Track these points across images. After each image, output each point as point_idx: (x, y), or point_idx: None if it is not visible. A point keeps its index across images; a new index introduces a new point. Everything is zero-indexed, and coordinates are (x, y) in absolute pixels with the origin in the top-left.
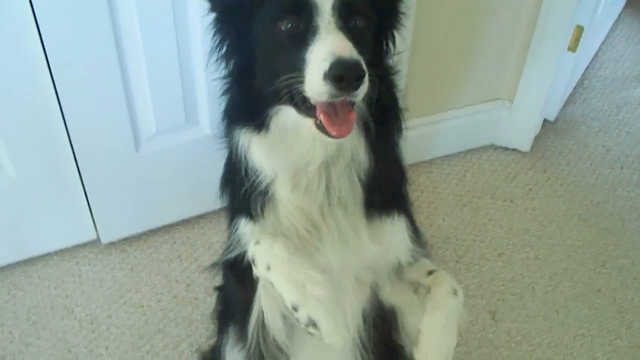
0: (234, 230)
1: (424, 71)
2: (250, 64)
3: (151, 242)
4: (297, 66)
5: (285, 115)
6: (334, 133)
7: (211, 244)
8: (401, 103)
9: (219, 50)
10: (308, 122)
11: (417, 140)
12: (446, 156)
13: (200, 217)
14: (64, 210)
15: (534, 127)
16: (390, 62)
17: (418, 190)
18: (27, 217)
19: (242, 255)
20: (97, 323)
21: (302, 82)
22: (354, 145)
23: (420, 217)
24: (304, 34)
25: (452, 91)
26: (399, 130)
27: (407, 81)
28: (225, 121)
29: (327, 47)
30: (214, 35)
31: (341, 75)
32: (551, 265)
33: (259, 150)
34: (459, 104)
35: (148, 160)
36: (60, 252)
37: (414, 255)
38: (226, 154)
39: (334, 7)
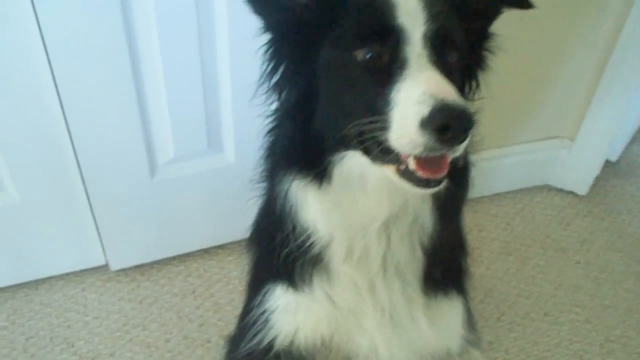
0: (263, 301)
1: (480, 105)
2: (309, 97)
3: (165, 272)
4: (378, 108)
5: (351, 162)
6: (428, 176)
7: (229, 279)
8: (471, 163)
9: (270, 79)
10: (381, 170)
11: None
12: (495, 195)
13: (220, 247)
14: (70, 232)
15: (595, 169)
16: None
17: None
18: (32, 238)
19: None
20: None
21: (385, 128)
22: (418, 204)
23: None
24: (388, 67)
25: (509, 127)
26: (466, 195)
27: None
28: (269, 165)
29: (423, 86)
30: (265, 60)
31: (447, 124)
32: (603, 331)
33: (316, 207)
34: (515, 141)
35: (164, 187)
36: (66, 276)
37: (465, 345)
38: (262, 203)
39: (425, 37)
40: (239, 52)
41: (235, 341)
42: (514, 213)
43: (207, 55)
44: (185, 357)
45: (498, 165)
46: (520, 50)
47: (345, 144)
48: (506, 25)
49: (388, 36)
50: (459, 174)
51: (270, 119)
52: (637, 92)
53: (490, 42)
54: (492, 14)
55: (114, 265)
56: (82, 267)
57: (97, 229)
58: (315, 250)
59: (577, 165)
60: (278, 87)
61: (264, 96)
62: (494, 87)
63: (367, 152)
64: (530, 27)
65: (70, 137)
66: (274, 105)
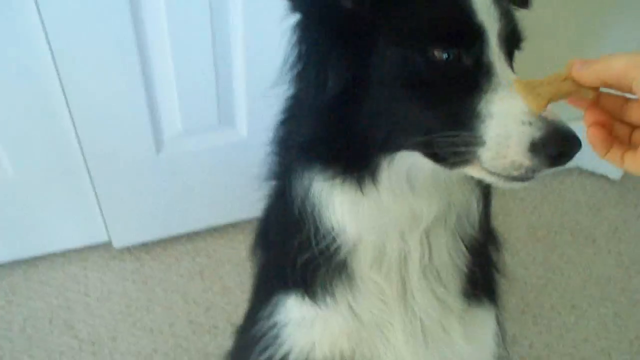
0: (273, 313)
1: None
2: (353, 92)
3: (171, 252)
4: (462, 119)
5: (400, 162)
6: None
7: (239, 261)
8: None
9: (296, 67)
10: (457, 171)
11: None
12: None
13: (231, 225)
14: (71, 207)
15: None
16: None
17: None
18: (29, 212)
19: None
20: (99, 345)
21: (475, 144)
22: (466, 197)
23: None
24: (472, 72)
25: None
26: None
27: None
28: (284, 160)
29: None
30: (293, 45)
31: (563, 152)
32: (634, 327)
33: (350, 210)
34: None
35: (171, 163)
36: (67, 254)
37: None
38: (269, 202)
39: (500, 37)
40: (255, 17)
41: (240, 354)
42: (542, 197)
43: (218, 19)
44: (191, 343)
45: None
46: (554, 30)
47: (401, 145)
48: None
49: (472, 35)
50: None
51: (285, 107)
52: None
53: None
54: None
55: (118, 243)
56: (84, 244)
57: (99, 204)
58: (341, 256)
59: None
60: (305, 74)
61: (284, 85)
62: (526, 61)
63: (438, 158)
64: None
65: (68, 107)
66: (289, 92)
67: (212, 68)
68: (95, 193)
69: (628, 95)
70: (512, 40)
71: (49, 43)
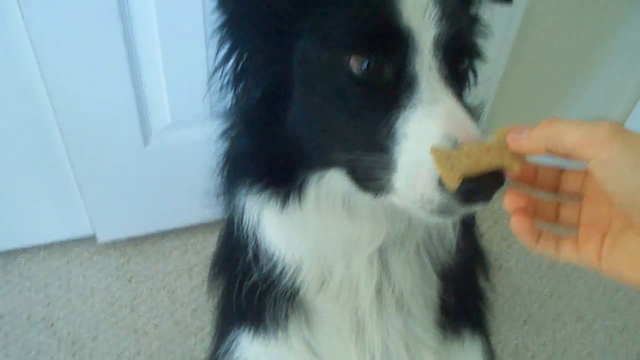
0: (229, 350)
1: (522, 78)
2: (279, 96)
3: (159, 247)
4: (378, 140)
5: (333, 182)
6: None
7: None
8: None
9: (226, 70)
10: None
11: None
12: None
13: (222, 221)
14: (52, 198)
15: None
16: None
17: (490, 219)
18: (9, 202)
19: None
20: (79, 345)
21: (387, 169)
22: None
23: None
24: (393, 84)
25: (550, 106)
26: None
27: (498, 89)
28: (225, 176)
29: (443, 125)
30: (221, 41)
31: (477, 189)
32: None
33: (277, 228)
34: None
35: (160, 156)
36: (49, 247)
37: None
38: (224, 225)
39: (437, 43)
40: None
41: None
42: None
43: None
44: (176, 345)
45: None
46: (569, 25)
47: (328, 164)
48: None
49: (394, 42)
50: None
51: (225, 118)
52: None
53: (480, 26)
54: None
55: (102, 237)
56: (67, 237)
57: (82, 196)
58: (287, 282)
59: None
60: (235, 79)
61: (220, 88)
62: (543, 60)
63: (358, 182)
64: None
65: (50, 97)
66: (230, 100)
67: (204, 57)
68: (79, 185)
69: (562, 166)
70: (455, 47)
71: (28, 33)
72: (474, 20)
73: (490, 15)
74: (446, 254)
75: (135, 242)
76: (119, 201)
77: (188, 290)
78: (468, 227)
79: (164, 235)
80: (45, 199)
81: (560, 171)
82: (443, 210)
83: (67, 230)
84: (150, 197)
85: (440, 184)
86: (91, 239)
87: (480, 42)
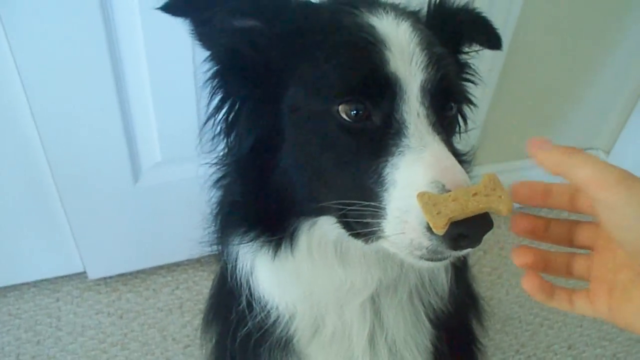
0: None
1: (509, 109)
2: (269, 145)
3: (149, 283)
4: (368, 186)
5: (324, 229)
6: None
7: None
8: None
9: (218, 119)
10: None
11: None
12: (520, 209)
13: (213, 256)
14: (43, 235)
15: None
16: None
17: (480, 249)
18: (1, 240)
19: None
20: None
21: (377, 216)
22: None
23: (478, 289)
24: (381, 131)
25: (538, 136)
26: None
27: (487, 123)
28: (219, 225)
29: (430, 171)
30: (213, 92)
31: (466, 233)
32: None
33: (269, 276)
34: None
35: (149, 193)
36: (39, 284)
37: None
38: (217, 273)
39: (424, 89)
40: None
41: None
42: None
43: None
44: None
45: (526, 177)
46: (556, 57)
47: (319, 211)
48: (544, 31)
49: (382, 90)
50: None
51: (218, 167)
52: None
53: (468, 72)
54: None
55: (93, 274)
56: (57, 274)
57: (73, 233)
58: (281, 331)
59: None
60: (228, 128)
61: (212, 138)
62: (528, 94)
63: (349, 229)
64: (570, 33)
65: (39, 131)
66: (222, 150)
67: (194, 97)
68: (69, 222)
69: (576, 217)
70: (442, 93)
71: (18, 71)
72: (462, 66)
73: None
74: (439, 300)
75: (126, 278)
76: (109, 238)
77: (179, 327)
78: (460, 271)
79: (154, 271)
80: (35, 236)
81: (572, 224)
82: (433, 256)
83: (57, 267)
84: (141, 234)
85: (429, 229)
86: (82, 276)
87: (468, 87)
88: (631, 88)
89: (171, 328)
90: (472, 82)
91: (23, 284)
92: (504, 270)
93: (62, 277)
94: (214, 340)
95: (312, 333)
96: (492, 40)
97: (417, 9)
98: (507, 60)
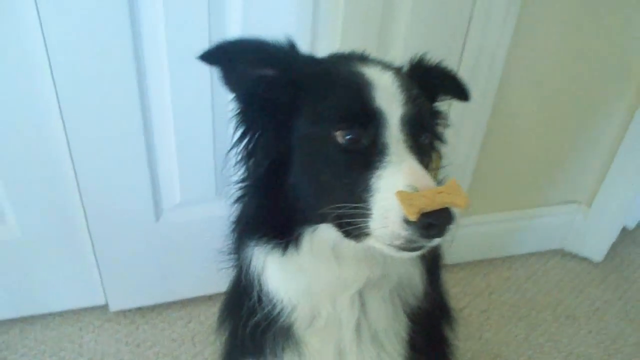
0: None
1: (492, 167)
2: (281, 168)
3: (165, 316)
4: (357, 193)
5: (324, 234)
6: None
7: None
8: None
9: (240, 147)
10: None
11: (478, 238)
12: (509, 257)
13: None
14: (71, 269)
15: (611, 236)
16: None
17: (472, 294)
18: (31, 273)
19: None
20: None
21: (366, 215)
22: (406, 267)
23: (468, 329)
24: (369, 151)
25: (523, 190)
26: (442, 260)
27: (474, 175)
28: (236, 234)
29: (406, 178)
30: (236, 126)
31: (433, 222)
32: None
33: (278, 273)
34: (530, 204)
35: (169, 231)
36: (64, 314)
37: None
38: (233, 276)
39: (403, 120)
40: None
41: None
42: (526, 277)
43: (218, 101)
44: None
45: (513, 228)
46: (533, 105)
47: (320, 219)
48: (526, 94)
49: (369, 120)
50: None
51: (238, 188)
52: None
53: (441, 119)
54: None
55: (114, 306)
56: (81, 306)
57: (99, 268)
58: (284, 320)
59: (592, 232)
60: (247, 156)
61: (235, 164)
62: (512, 151)
63: (343, 231)
64: (550, 96)
65: (75, 175)
66: (242, 173)
67: (211, 144)
68: (95, 256)
69: None
70: (416, 124)
71: (62, 118)
72: (437, 113)
73: (462, 114)
74: (414, 299)
75: (143, 311)
76: (131, 272)
77: (191, 356)
78: (433, 279)
79: (169, 305)
80: (63, 270)
81: None
82: (409, 245)
83: (82, 299)
84: (159, 270)
85: (406, 222)
86: (103, 308)
87: (441, 130)
88: (608, 146)
89: (183, 357)
90: (444, 125)
91: (49, 314)
92: (492, 313)
93: (85, 308)
94: (227, 332)
95: (310, 321)
96: (461, 93)
97: (400, 65)
98: (492, 120)
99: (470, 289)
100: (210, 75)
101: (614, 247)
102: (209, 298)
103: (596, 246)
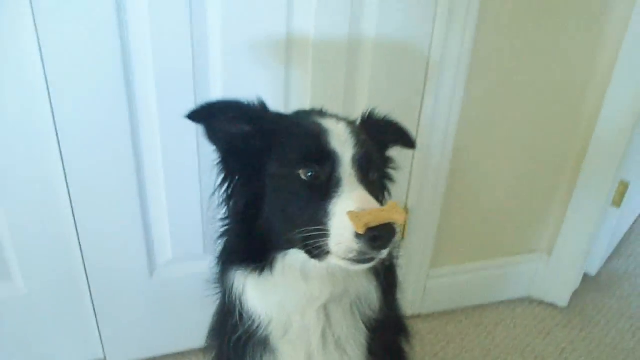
0: None
1: (456, 220)
2: (256, 204)
3: None
4: (318, 218)
5: (293, 257)
6: None
7: None
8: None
9: (222, 190)
10: (323, 262)
11: (449, 288)
12: (479, 306)
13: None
14: (71, 325)
15: (573, 282)
16: None
17: (444, 340)
18: (33, 328)
19: None
20: None
21: (325, 236)
22: (362, 285)
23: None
24: (326, 184)
25: (487, 241)
26: (397, 283)
27: (439, 228)
28: (220, 265)
29: (356, 202)
30: (218, 173)
31: (378, 236)
32: None
33: (255, 292)
34: (495, 254)
35: (162, 286)
36: None
37: None
38: (218, 301)
39: (354, 159)
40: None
41: None
42: (495, 323)
43: (205, 171)
44: None
45: (481, 277)
46: (489, 158)
47: (289, 244)
48: (482, 147)
49: (326, 159)
50: (391, 266)
51: (221, 225)
52: (610, 208)
53: (391, 164)
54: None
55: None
56: None
57: (97, 322)
58: (262, 332)
59: (555, 279)
60: (228, 198)
61: (218, 205)
62: (469, 199)
63: (308, 252)
64: (505, 148)
65: (77, 234)
66: (224, 213)
67: (199, 207)
68: (95, 311)
69: None
70: (365, 162)
71: (66, 182)
72: (387, 159)
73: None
74: (371, 312)
75: None
76: (128, 326)
77: None
78: (389, 297)
79: (165, 358)
80: (63, 326)
81: None
82: (361, 257)
83: (81, 353)
84: (155, 323)
85: (356, 236)
86: None
87: (392, 172)
88: (562, 196)
89: None
90: (394, 168)
91: None
92: (464, 357)
93: None
94: (215, 349)
95: (283, 332)
96: (406, 141)
97: (354, 119)
98: (451, 176)
99: (443, 336)
100: (197, 141)
101: (577, 293)
102: (200, 351)
103: (559, 292)
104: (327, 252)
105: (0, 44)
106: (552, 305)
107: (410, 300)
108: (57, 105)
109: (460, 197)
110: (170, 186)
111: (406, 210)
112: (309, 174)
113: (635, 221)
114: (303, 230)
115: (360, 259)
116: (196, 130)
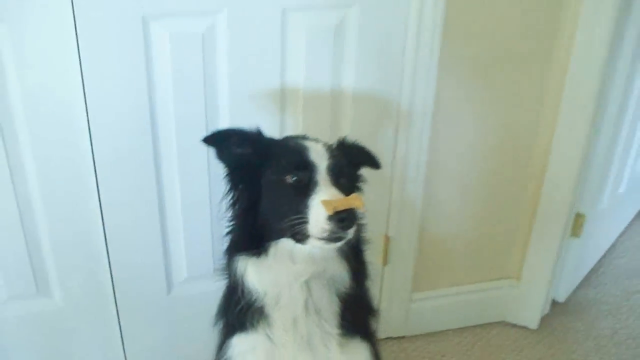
0: (225, 352)
1: (433, 248)
2: (255, 206)
3: None
4: (301, 210)
5: (283, 244)
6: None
7: None
8: (364, 253)
9: (228, 197)
10: (306, 245)
11: (430, 311)
12: (459, 329)
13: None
14: (99, 338)
15: (541, 307)
16: None
17: (427, 357)
18: (64, 341)
19: None
20: None
21: (305, 222)
22: (336, 267)
23: None
24: (306, 186)
25: (462, 267)
26: (367, 273)
27: (417, 256)
28: (227, 256)
29: (328, 195)
30: (226, 185)
31: (344, 217)
32: None
33: (254, 272)
34: (469, 280)
35: (178, 303)
36: None
37: None
38: (226, 284)
39: (328, 167)
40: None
41: None
42: (472, 344)
43: (215, 198)
44: None
45: (458, 302)
46: (462, 200)
47: (280, 234)
48: (449, 181)
49: (306, 168)
50: (360, 256)
51: (229, 224)
52: (570, 239)
53: (360, 178)
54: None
55: None
56: None
57: (122, 337)
58: (259, 304)
59: (525, 304)
60: (233, 203)
61: (226, 209)
62: (442, 231)
63: (294, 237)
64: (468, 182)
65: (108, 256)
66: (230, 215)
67: (209, 231)
68: (120, 326)
69: None
70: (336, 170)
71: (101, 213)
72: (359, 176)
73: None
74: (343, 288)
75: None
76: (150, 342)
77: None
78: (357, 276)
79: None
80: (92, 339)
81: None
82: (333, 236)
83: None
84: (173, 338)
85: (328, 218)
86: None
87: (360, 184)
88: (525, 225)
89: None
90: (363, 182)
91: None
92: None
93: None
94: (222, 321)
95: (275, 302)
96: (372, 163)
97: (331, 143)
98: (425, 207)
99: (426, 353)
100: (209, 176)
101: (547, 317)
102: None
103: (530, 316)
104: (308, 236)
105: (51, 88)
106: (524, 328)
107: (395, 323)
108: (96, 144)
109: (435, 226)
110: (187, 215)
111: (387, 238)
112: (294, 179)
113: (606, 254)
114: (290, 219)
115: (331, 238)
116: (208, 166)
